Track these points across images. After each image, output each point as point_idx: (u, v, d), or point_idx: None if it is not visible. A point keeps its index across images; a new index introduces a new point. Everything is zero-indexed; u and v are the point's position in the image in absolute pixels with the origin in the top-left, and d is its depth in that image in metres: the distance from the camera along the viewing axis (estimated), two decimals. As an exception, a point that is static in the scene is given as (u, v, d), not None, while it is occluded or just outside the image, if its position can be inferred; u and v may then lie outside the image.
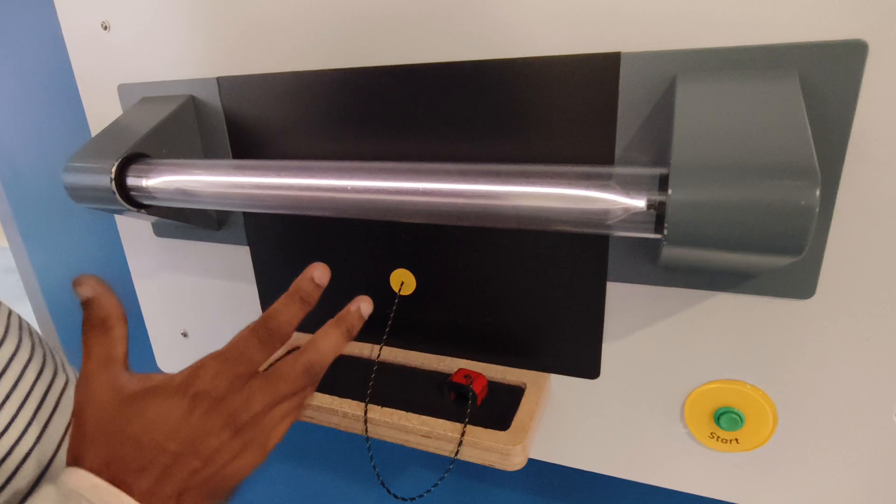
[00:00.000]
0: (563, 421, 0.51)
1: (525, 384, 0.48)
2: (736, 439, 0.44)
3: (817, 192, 0.27)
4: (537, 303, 0.47)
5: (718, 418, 0.44)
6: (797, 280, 0.38)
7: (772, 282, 0.39)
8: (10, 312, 0.38)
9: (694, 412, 0.45)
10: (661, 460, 0.48)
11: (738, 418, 0.43)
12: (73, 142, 0.68)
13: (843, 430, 0.41)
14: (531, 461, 0.48)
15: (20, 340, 0.36)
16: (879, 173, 0.35)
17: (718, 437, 0.45)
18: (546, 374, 0.49)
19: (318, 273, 0.34)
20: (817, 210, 0.27)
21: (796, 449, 0.43)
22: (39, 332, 0.42)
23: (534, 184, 0.35)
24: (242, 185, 0.43)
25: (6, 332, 0.36)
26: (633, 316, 0.44)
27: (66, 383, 0.39)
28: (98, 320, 0.30)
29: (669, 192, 0.30)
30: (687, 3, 0.35)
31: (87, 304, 0.30)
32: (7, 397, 0.33)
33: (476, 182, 0.36)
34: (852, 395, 0.40)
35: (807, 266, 0.38)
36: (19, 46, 0.65)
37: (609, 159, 0.40)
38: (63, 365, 0.41)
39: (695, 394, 0.44)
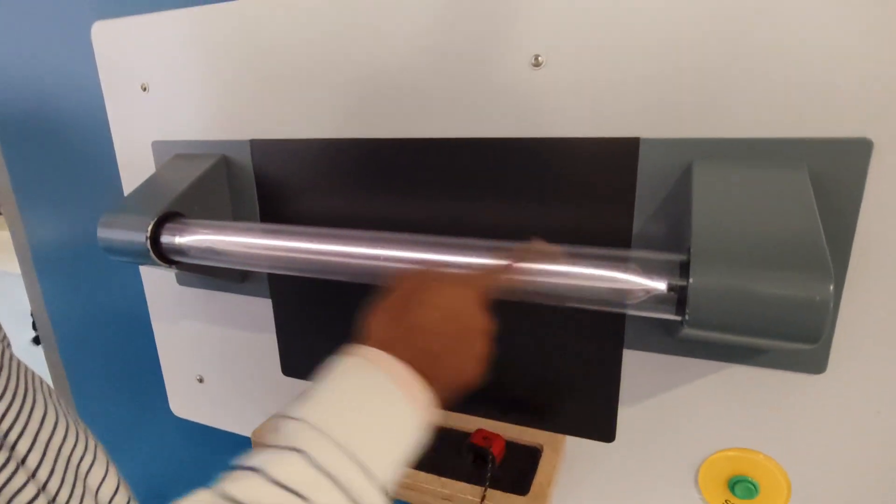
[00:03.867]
0: (577, 483, 0.51)
1: (541, 445, 0.49)
2: (750, 508, 0.45)
3: (831, 288, 0.29)
4: (554, 366, 0.48)
5: (733, 486, 0.44)
6: (809, 356, 0.40)
7: (785, 357, 0.41)
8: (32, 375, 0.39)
9: (708, 479, 0.46)
10: (675, 525, 0.49)
11: (753, 487, 0.44)
12: (101, 189, 0.70)
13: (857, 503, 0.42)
14: (546, 523, 0.48)
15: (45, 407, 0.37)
16: (886, 258, 0.37)
17: (733, 505, 0.45)
18: (561, 436, 0.50)
19: None
20: (831, 305, 0.29)
21: (810, 519, 0.44)
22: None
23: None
24: (276, 249, 0.45)
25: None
26: (648, 383, 0.46)
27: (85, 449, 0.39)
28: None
29: (691, 279, 0.31)
30: (704, 95, 0.38)
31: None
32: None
33: (504, 259, 0.38)
34: (865, 468, 0.41)
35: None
36: (59, 99, 0.68)
37: (627, 235, 0.42)
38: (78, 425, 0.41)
39: (709, 461, 0.45)
